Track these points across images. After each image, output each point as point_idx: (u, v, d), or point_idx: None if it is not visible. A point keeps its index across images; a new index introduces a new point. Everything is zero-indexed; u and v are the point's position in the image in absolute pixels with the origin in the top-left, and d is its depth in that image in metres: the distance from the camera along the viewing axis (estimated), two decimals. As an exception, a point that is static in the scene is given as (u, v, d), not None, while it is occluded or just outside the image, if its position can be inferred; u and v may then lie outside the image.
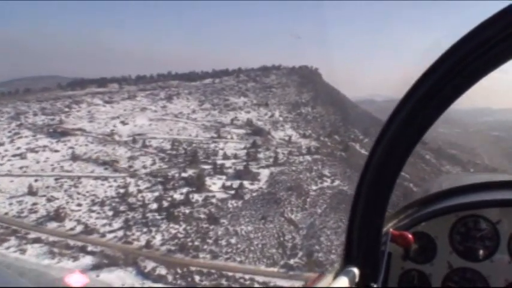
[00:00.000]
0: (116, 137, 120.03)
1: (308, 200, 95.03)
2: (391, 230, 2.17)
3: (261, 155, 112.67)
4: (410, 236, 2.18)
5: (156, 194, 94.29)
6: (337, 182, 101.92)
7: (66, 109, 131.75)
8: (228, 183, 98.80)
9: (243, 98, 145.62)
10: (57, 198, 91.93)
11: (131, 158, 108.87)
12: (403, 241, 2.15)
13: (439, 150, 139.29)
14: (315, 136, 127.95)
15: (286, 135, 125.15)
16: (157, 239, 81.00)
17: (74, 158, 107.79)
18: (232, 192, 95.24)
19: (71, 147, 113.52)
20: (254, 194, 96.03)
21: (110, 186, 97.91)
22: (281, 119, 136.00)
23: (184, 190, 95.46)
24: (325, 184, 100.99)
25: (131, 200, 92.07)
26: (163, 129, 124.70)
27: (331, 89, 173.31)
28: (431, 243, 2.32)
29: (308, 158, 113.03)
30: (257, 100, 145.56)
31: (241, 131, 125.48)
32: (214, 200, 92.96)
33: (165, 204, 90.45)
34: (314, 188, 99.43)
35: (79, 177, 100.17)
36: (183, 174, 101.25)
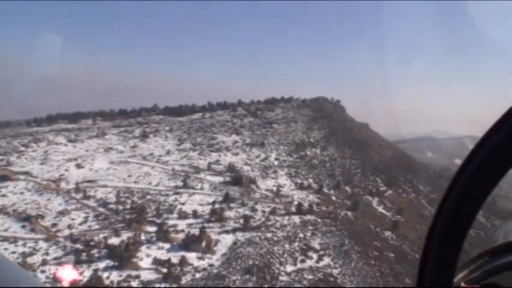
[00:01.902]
0: (62, 184, 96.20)
1: (274, 290, 63.41)
2: (462, 284, 1.99)
3: (231, 214, 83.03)
4: None
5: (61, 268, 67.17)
6: (325, 261, 69.24)
7: (22, 148, 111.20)
8: (167, 256, 69.63)
9: (234, 137, 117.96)
10: None
11: (61, 213, 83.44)
12: None
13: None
14: (315, 187, 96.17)
15: (276, 186, 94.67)
16: None
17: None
18: (166, 271, 65.88)
19: (2, 196, 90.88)
20: (197, 276, 65.95)
21: (13, 252, 72.51)
22: (276, 163, 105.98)
23: (102, 265, 67.51)
24: (307, 264, 68.58)
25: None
26: (121, 175, 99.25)
27: (357, 125, 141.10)
28: None
29: (296, 219, 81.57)
30: (251, 139, 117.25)
31: (218, 179, 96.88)
32: (135, 284, 63.99)
33: (63, 287, 62.76)
34: (289, 270, 67.39)
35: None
36: (113, 240, 73.68)
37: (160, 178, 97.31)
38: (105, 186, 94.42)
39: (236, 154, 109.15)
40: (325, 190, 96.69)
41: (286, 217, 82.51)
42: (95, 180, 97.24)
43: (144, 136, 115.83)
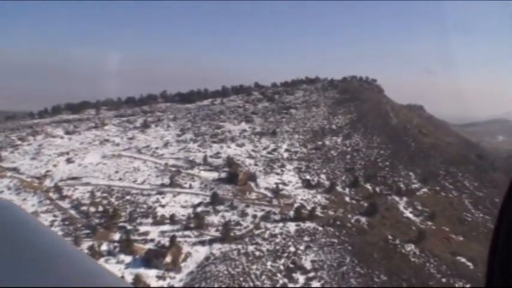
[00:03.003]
0: (46, 182, 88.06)
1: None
2: None
3: (215, 219, 69.26)
4: None
5: None
6: (313, 286, 53.31)
7: (18, 142, 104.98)
8: (122, 273, 57.52)
9: (243, 125, 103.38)
10: None
11: (29, 216, 74.54)
12: None
13: None
14: (327, 185, 79.31)
15: (279, 183, 79.16)
16: None
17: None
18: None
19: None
20: (148, 303, 53.21)
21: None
22: (285, 155, 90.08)
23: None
24: (289, 291, 53.16)
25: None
26: (108, 170, 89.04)
27: (395, 108, 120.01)
28: None
29: (291, 227, 65.99)
30: (262, 127, 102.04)
31: (212, 175, 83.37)
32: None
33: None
34: (264, 297, 52.54)
35: None
36: (70, 251, 63.00)
37: (148, 174, 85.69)
38: (87, 184, 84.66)
39: (241, 145, 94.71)
40: (339, 188, 79.62)
41: (280, 224, 67.14)
42: (80, 177, 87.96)
43: (145, 126, 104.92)
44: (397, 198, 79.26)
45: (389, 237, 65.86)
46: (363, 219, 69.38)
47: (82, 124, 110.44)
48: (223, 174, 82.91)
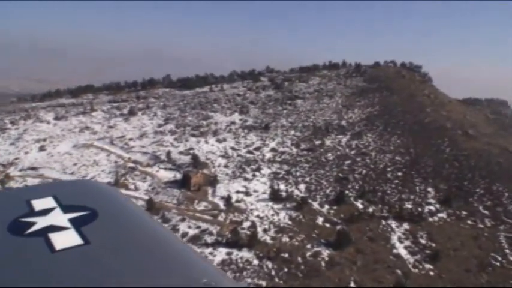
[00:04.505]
0: (11, 169, 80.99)
1: None
2: None
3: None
4: None
5: None
6: None
7: (9, 126, 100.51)
8: None
9: (235, 116, 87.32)
10: None
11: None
12: None
13: None
14: (299, 199, 60.47)
15: (241, 192, 62.38)
16: None
17: None
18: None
19: None
20: None
21: None
22: (268, 156, 72.47)
23: None
24: None
25: None
26: (68, 162, 79.52)
27: (440, 102, 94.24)
28: None
29: (220, 255, 49.40)
30: (255, 120, 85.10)
31: (167, 176, 69.29)
32: None
33: None
34: None
35: None
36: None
37: (102, 170, 74.24)
38: (40, 176, 75.61)
39: (222, 140, 78.94)
40: (315, 205, 60.47)
41: (209, 249, 50.80)
42: (38, 168, 79.41)
43: (131, 114, 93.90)
44: (394, 224, 57.97)
45: (351, 285, 46.04)
46: (325, 253, 50.16)
47: (74, 109, 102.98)
48: (179, 176, 68.28)
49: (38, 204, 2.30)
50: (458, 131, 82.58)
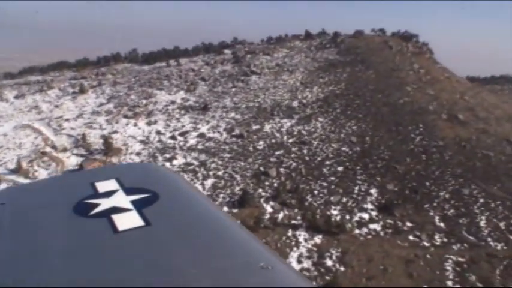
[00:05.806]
0: None
1: None
2: None
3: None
4: None
5: None
6: None
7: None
8: None
9: (179, 94, 77.35)
10: None
11: None
12: None
13: None
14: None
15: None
16: None
17: None
18: None
19: None
20: None
21: None
22: (192, 142, 61.65)
23: None
24: None
25: None
26: (-3, 144, 73.94)
27: (440, 80, 76.40)
28: None
29: None
30: (198, 99, 74.21)
31: (77, 162, 61.14)
32: None
33: None
34: None
35: None
36: None
37: (18, 154, 67.61)
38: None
39: (153, 123, 69.36)
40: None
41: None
42: (-33, 150, 74.90)
43: (80, 92, 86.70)
44: (303, 237, 45.35)
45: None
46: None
47: (34, 87, 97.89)
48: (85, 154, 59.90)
49: (102, 186, 2.38)
50: (443, 115, 65.79)
